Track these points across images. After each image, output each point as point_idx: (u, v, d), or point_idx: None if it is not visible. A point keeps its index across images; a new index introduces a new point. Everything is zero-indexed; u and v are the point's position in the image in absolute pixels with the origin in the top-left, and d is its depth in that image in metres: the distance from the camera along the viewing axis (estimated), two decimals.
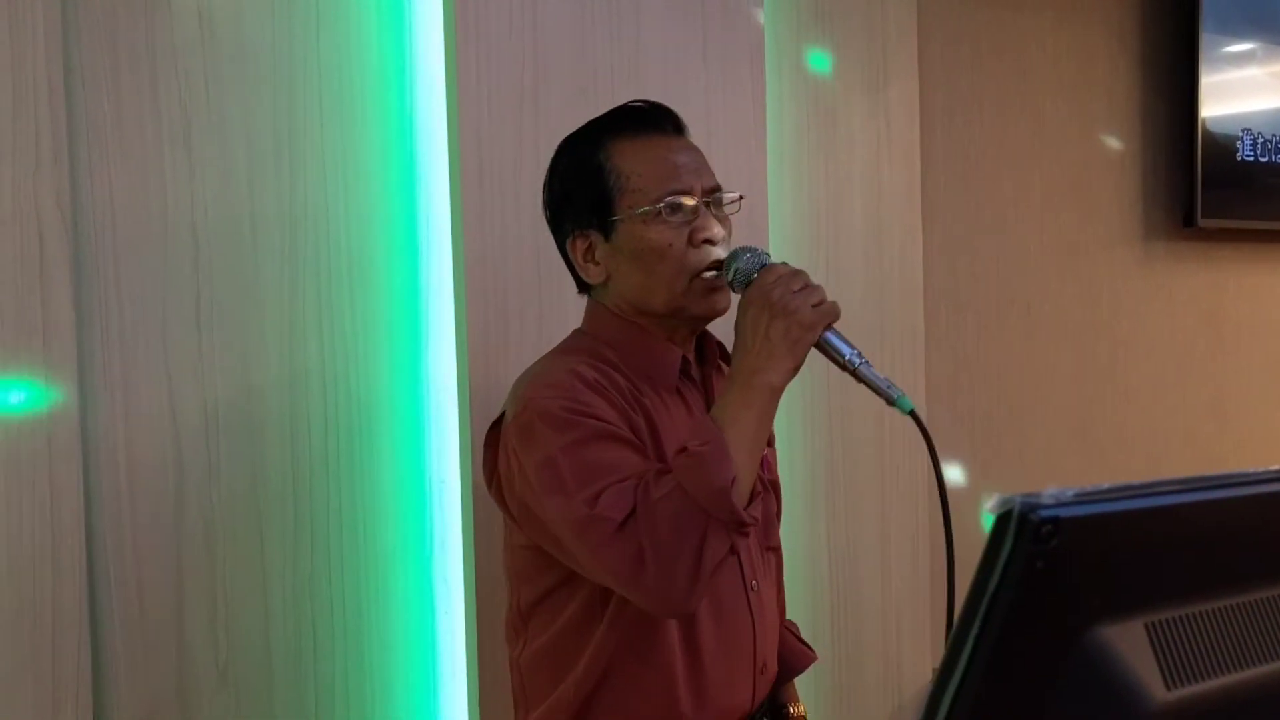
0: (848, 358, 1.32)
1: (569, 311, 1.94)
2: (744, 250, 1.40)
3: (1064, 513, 0.44)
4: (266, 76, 1.79)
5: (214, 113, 1.75)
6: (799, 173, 2.37)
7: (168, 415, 1.72)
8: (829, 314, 1.33)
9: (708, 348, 1.54)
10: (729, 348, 1.52)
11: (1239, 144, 3.21)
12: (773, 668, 1.55)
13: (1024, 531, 0.43)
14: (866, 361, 1.32)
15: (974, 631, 0.44)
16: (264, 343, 1.79)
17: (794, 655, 1.64)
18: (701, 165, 1.46)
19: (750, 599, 1.46)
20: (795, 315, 1.31)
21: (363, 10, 1.87)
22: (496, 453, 1.44)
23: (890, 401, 1.31)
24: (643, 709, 1.40)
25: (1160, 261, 3.18)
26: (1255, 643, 0.51)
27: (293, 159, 1.81)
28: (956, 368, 2.76)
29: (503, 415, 1.43)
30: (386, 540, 1.89)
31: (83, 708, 1.61)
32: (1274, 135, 3.30)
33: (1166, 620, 0.49)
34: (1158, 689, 0.47)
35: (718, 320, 1.48)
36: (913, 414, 1.30)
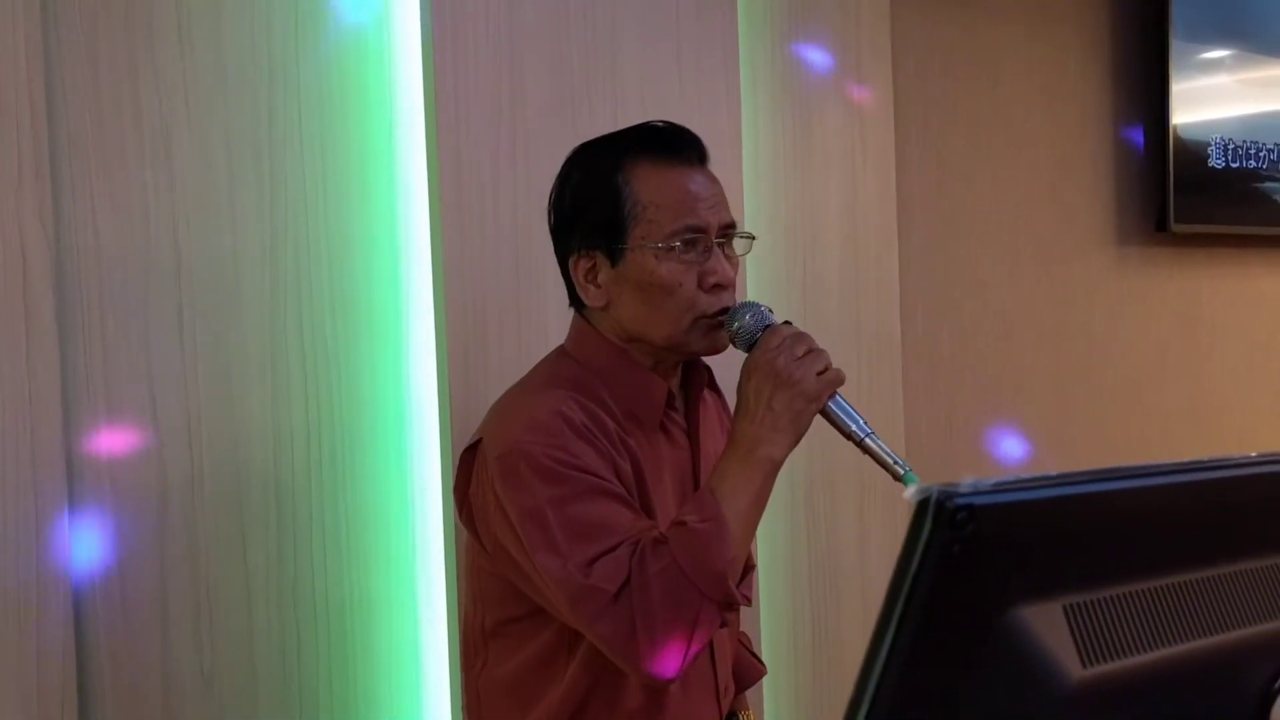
0: (853, 430, 1.31)
1: (549, 323, 1.97)
2: (746, 307, 1.38)
3: (979, 500, 0.47)
4: (246, 92, 1.82)
5: (194, 127, 1.77)
6: (775, 181, 2.41)
7: (150, 425, 1.74)
8: (833, 383, 1.31)
9: (694, 374, 1.51)
10: (714, 372, 1.55)
11: (1210, 150, 3.26)
12: (732, 687, 1.56)
13: (940, 518, 0.46)
14: (873, 433, 1.30)
15: (896, 614, 0.47)
16: (246, 353, 1.81)
17: (745, 668, 1.65)
18: (720, 200, 1.42)
19: None
20: (799, 386, 1.29)
21: (341, 25, 1.90)
22: (469, 478, 1.41)
23: (897, 478, 1.28)
24: None
25: (1134, 266, 3.23)
26: (1168, 624, 0.54)
27: (273, 172, 1.83)
28: (933, 373, 2.80)
29: (478, 441, 1.40)
30: (368, 547, 1.92)
31: (68, 713, 1.63)
32: (1244, 141, 3.36)
33: (1083, 602, 0.52)
34: (1074, 667, 0.50)
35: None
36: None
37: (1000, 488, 0.48)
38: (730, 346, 1.41)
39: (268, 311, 1.83)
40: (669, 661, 1.24)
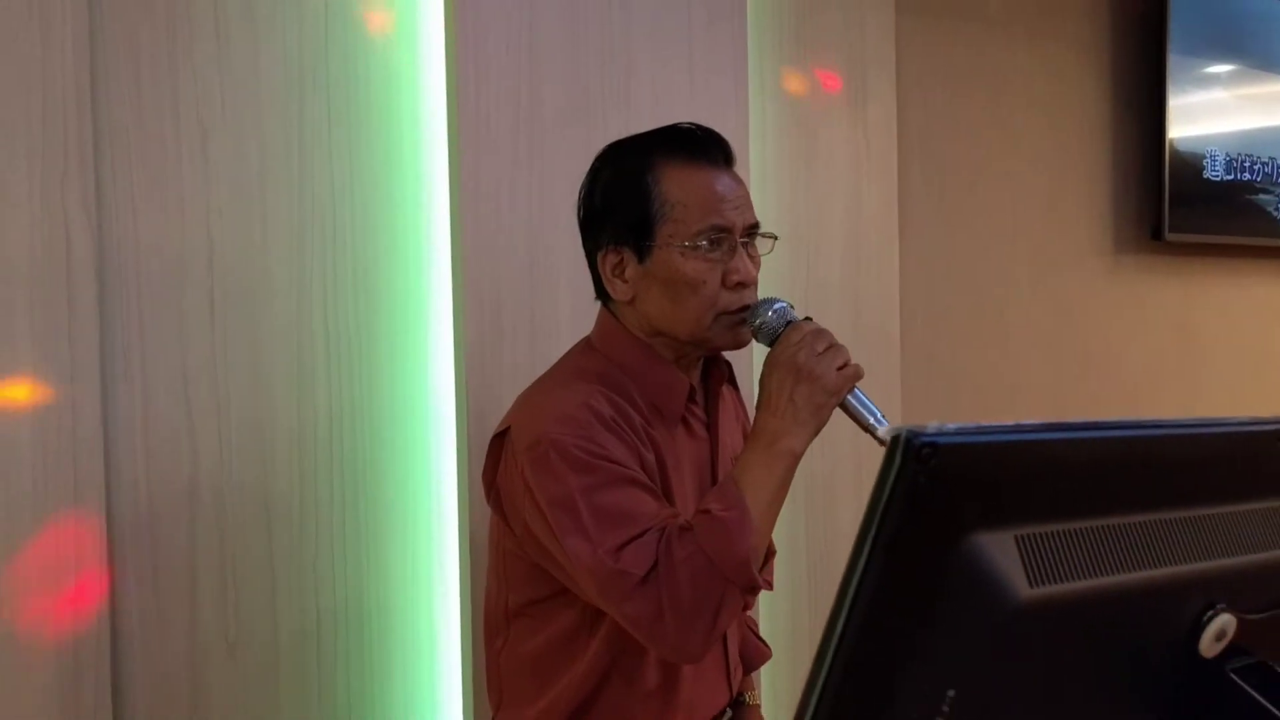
0: (872, 424, 1.35)
1: (560, 318, 2.06)
2: (768, 303, 1.42)
3: (941, 440, 0.55)
4: (278, 89, 1.91)
5: (229, 122, 1.86)
6: (781, 188, 2.50)
7: (183, 408, 1.83)
8: (852, 378, 1.35)
9: (714, 370, 1.56)
10: (734, 366, 1.62)
11: (1205, 162, 3.35)
12: (741, 668, 1.64)
13: (909, 453, 0.54)
14: (885, 421, 1.35)
15: (870, 538, 0.55)
16: (273, 340, 1.90)
17: (752, 651, 1.72)
18: (744, 201, 1.47)
19: None
20: (820, 381, 1.33)
21: (369, 26, 1.99)
22: (498, 463, 1.46)
23: None
24: (629, 716, 1.45)
25: (1130, 273, 3.31)
26: (1108, 557, 0.63)
27: (302, 169, 1.93)
28: (931, 376, 2.88)
29: (507, 429, 1.44)
30: (386, 530, 2.00)
31: (102, 677, 1.72)
32: (1240, 155, 3.44)
33: (1032, 534, 0.60)
34: (1022, 587, 0.59)
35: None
36: None
37: (961, 431, 0.56)
38: (752, 341, 1.46)
39: (295, 301, 1.92)
40: (695, 643, 1.29)
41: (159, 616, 1.80)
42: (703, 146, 1.46)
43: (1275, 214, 3.57)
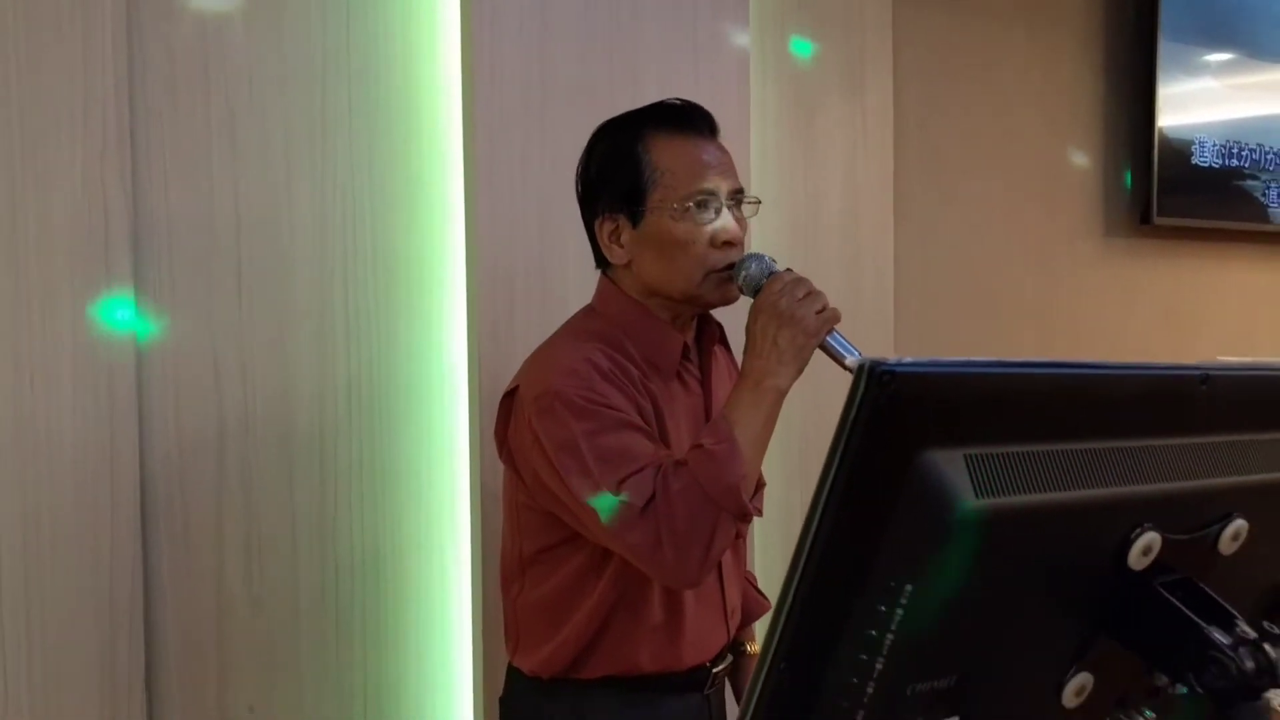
0: (850, 362, 1.44)
1: (569, 287, 2.16)
2: (753, 257, 1.52)
3: (900, 369, 0.65)
4: (302, 76, 2.01)
5: (255, 106, 1.97)
6: (780, 170, 2.60)
7: (211, 375, 1.93)
8: (830, 320, 1.46)
9: (707, 330, 1.66)
10: (725, 328, 1.73)
11: (1195, 149, 3.44)
12: (739, 612, 1.74)
13: (871, 379, 0.64)
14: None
15: (838, 455, 0.65)
16: (296, 309, 2.01)
17: (752, 603, 1.84)
18: (729, 167, 1.57)
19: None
20: (801, 323, 1.44)
21: (388, 18, 2.09)
22: (508, 420, 1.57)
23: None
24: (633, 654, 1.56)
25: (1120, 256, 3.41)
26: (1048, 477, 0.73)
27: (324, 149, 2.03)
28: (925, 354, 2.97)
29: (515, 389, 1.55)
30: (402, 490, 2.11)
31: (135, 630, 1.83)
32: (1229, 142, 3.54)
33: (980, 454, 0.70)
34: (969, 498, 0.69)
35: (725, 312, 1.62)
36: None
37: (917, 362, 0.67)
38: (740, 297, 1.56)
39: (317, 273, 2.02)
40: (692, 567, 1.39)
41: (188, 573, 1.91)
42: (688, 118, 1.57)
43: (1263, 200, 3.67)
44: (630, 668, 1.56)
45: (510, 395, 1.58)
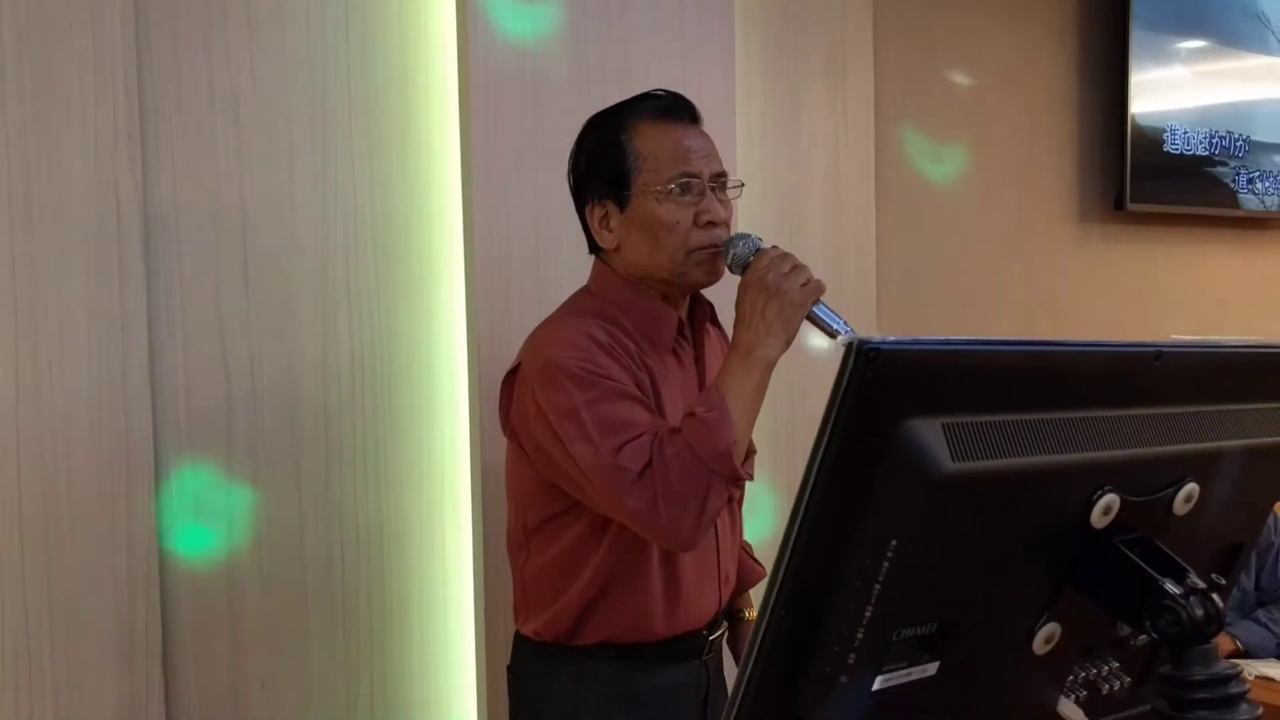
0: (835, 329, 1.53)
1: (563, 272, 2.24)
2: (740, 237, 1.60)
3: (884, 346, 0.73)
4: (303, 71, 2.08)
5: (259, 100, 2.03)
6: (764, 159, 2.67)
7: (219, 359, 2.00)
8: (815, 291, 1.53)
9: (699, 309, 1.74)
10: (717, 310, 1.81)
11: (1166, 136, 3.54)
12: (733, 579, 1.81)
13: (859, 356, 0.72)
14: (852, 331, 1.53)
15: (830, 424, 0.73)
16: (300, 294, 2.08)
17: (747, 571, 1.92)
18: (711, 152, 1.64)
19: (716, 523, 1.68)
20: (787, 296, 1.51)
21: (385, 15, 2.16)
22: (511, 398, 1.65)
23: None
24: (631, 617, 1.64)
25: (1095, 240, 3.51)
26: (1018, 443, 0.81)
27: (325, 140, 2.10)
28: (907, 335, 3.06)
29: (517, 366, 1.64)
30: (405, 469, 2.19)
31: (152, 605, 1.90)
32: (1199, 129, 3.64)
33: (956, 422, 0.78)
34: (946, 463, 0.77)
35: (715, 293, 1.70)
36: None
37: (899, 341, 0.75)
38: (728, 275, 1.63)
39: (320, 259, 2.10)
40: (686, 529, 1.47)
41: (199, 549, 1.99)
42: (670, 107, 1.65)
43: (1233, 186, 3.77)
44: (627, 632, 1.64)
45: (512, 374, 1.66)
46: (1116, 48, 3.43)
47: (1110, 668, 1.03)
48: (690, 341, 1.73)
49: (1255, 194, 3.82)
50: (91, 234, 1.85)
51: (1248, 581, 2.90)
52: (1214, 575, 0.93)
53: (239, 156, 2.02)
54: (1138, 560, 0.90)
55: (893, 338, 0.75)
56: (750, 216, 2.62)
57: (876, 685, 0.82)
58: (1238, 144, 3.75)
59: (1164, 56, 3.54)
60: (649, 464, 1.47)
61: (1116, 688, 1.03)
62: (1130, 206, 3.44)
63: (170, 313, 1.95)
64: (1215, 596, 0.89)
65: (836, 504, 0.77)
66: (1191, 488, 0.95)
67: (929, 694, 0.86)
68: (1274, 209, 3.90)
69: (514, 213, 2.23)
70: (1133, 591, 0.90)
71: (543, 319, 1.74)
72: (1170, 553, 0.90)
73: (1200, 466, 0.95)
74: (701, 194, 1.61)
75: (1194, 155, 3.63)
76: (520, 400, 1.63)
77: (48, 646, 1.82)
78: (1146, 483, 0.92)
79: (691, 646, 1.70)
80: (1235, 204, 3.79)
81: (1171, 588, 0.88)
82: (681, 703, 1.70)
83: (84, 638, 1.85)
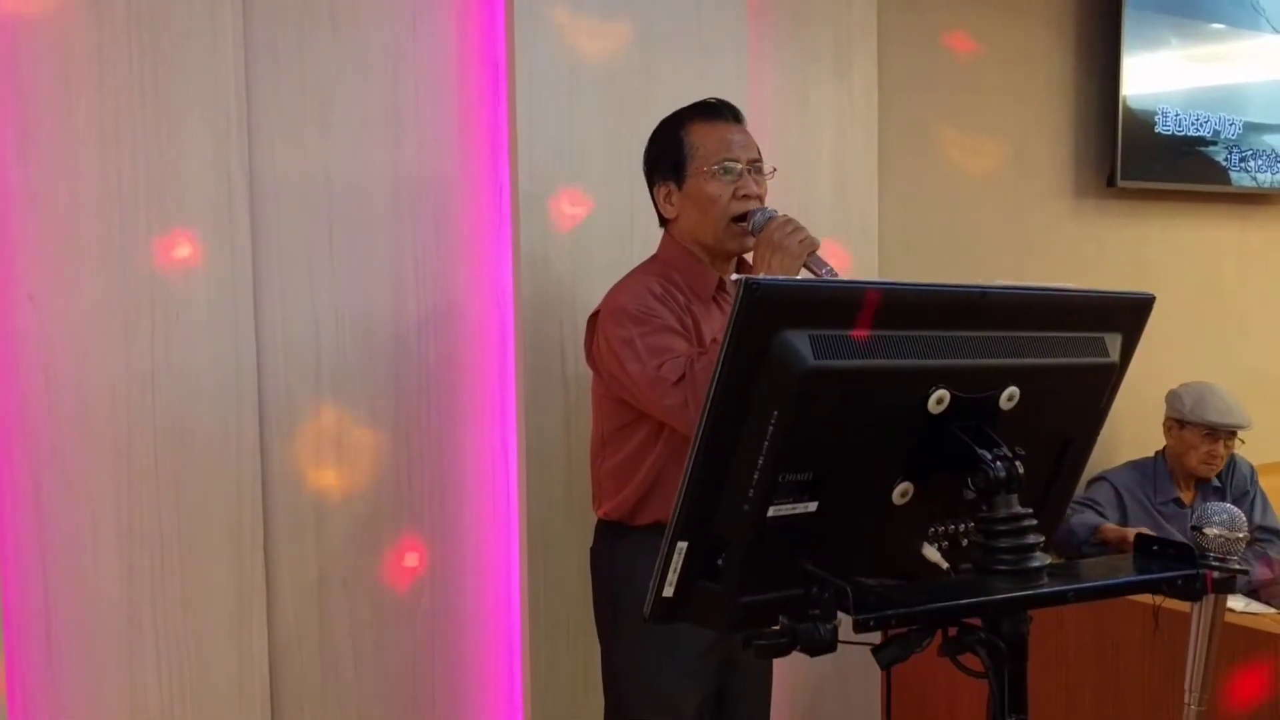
0: (823, 273, 2.02)
1: (593, 246, 2.63)
2: (760, 210, 2.10)
3: (765, 283, 1.12)
4: (377, 68, 2.49)
5: (341, 94, 2.45)
6: (775, 141, 3.02)
7: (310, 315, 2.43)
8: (810, 245, 2.02)
9: (743, 271, 2.21)
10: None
11: (1157, 118, 3.83)
12: None
13: (748, 289, 1.12)
14: (834, 272, 2.04)
15: (728, 336, 1.13)
16: (375, 260, 2.50)
17: None
18: (749, 143, 2.16)
19: None
20: (787, 249, 2.00)
21: (445, 22, 2.56)
22: (593, 334, 2.16)
23: None
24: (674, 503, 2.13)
25: (1089, 216, 3.80)
26: (869, 350, 1.19)
27: (398, 128, 2.51)
28: None
29: (597, 311, 2.14)
30: (467, 416, 2.61)
31: (255, 508, 2.34)
32: (1190, 111, 3.91)
33: (819, 335, 1.16)
34: (810, 360, 1.16)
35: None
36: None
37: (776, 280, 1.14)
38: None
39: (392, 235, 2.52)
40: None
41: (294, 471, 2.43)
42: (717, 109, 2.19)
43: (1225, 164, 4.04)
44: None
45: (594, 316, 2.19)
46: (1110, 32, 3.69)
47: (967, 526, 1.40)
48: (729, 297, 2.23)
49: (1247, 171, 4.08)
50: (208, 207, 2.28)
51: None
52: (1017, 448, 1.29)
53: (324, 141, 2.44)
54: (962, 435, 1.28)
55: (772, 277, 1.14)
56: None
57: (770, 513, 1.21)
58: (1229, 126, 4.00)
59: (1157, 40, 3.78)
60: (683, 376, 1.96)
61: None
62: (1121, 184, 3.73)
63: (268, 269, 2.39)
64: (1017, 462, 1.27)
65: (736, 385, 1.16)
66: (1013, 390, 1.31)
67: (812, 526, 1.25)
68: (1266, 185, 4.14)
69: (555, 185, 2.63)
70: (961, 458, 1.28)
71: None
72: (990, 432, 1.28)
73: (1020, 375, 1.32)
74: (740, 175, 2.13)
75: (1185, 136, 3.89)
76: (597, 336, 2.14)
77: (177, 538, 2.27)
78: (975, 384, 1.29)
79: None
80: (1227, 181, 4.02)
81: (983, 453, 1.26)
82: None
83: (205, 531, 2.30)
